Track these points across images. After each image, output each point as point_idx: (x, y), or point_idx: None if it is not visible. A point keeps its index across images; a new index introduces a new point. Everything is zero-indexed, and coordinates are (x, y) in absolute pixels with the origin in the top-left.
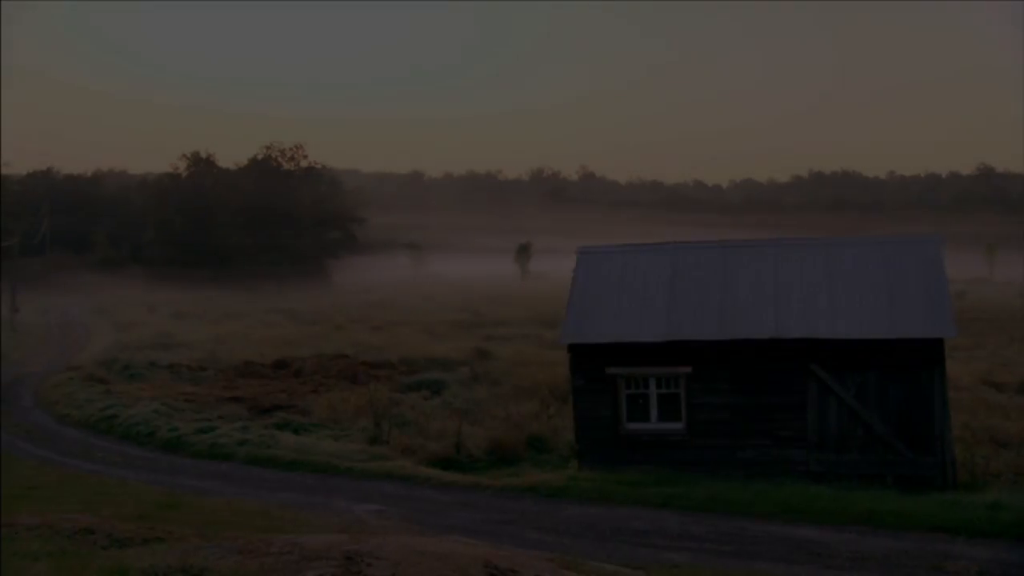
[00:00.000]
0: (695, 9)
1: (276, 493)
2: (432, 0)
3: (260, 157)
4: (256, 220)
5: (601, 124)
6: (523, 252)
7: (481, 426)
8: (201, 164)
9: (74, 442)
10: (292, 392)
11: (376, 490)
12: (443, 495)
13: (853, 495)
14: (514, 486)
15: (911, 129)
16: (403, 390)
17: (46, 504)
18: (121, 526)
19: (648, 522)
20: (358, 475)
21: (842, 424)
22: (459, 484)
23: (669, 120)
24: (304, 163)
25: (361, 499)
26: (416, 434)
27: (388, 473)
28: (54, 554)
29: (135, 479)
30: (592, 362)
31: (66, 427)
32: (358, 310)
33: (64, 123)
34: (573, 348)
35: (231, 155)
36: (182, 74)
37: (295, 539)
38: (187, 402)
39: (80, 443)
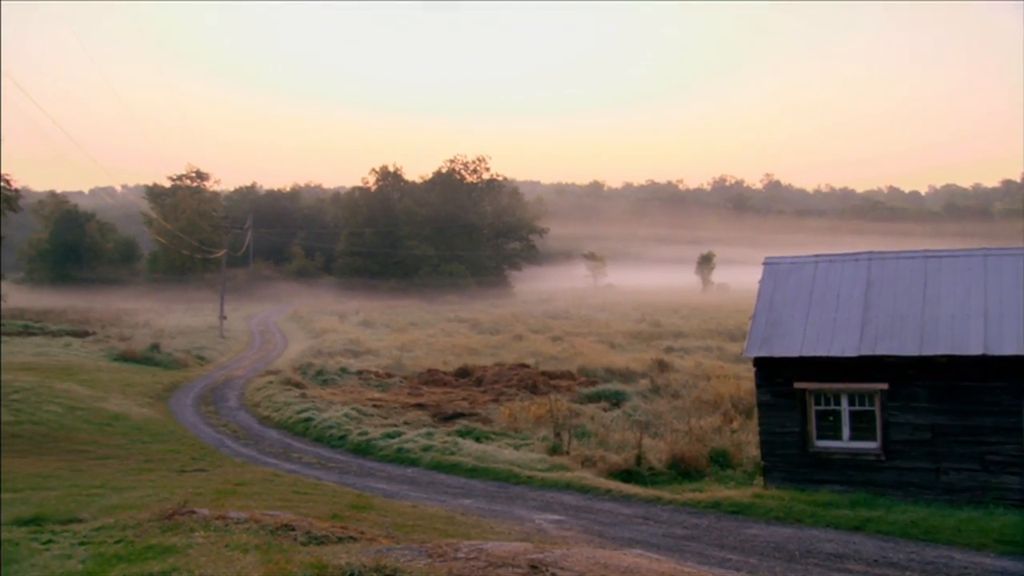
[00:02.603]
0: (893, 9)
1: (459, 499)
2: (617, 6)
3: (444, 170)
4: (439, 231)
5: (787, 132)
6: (705, 262)
7: (662, 439)
8: (389, 178)
9: (274, 442)
10: (473, 400)
11: (556, 500)
12: (624, 508)
13: None
14: (696, 501)
15: None
16: (582, 401)
17: (251, 500)
18: (318, 524)
19: (841, 545)
20: (538, 484)
21: None
22: (640, 497)
23: (862, 129)
24: (486, 175)
25: (541, 508)
26: (596, 445)
27: (568, 483)
28: (260, 547)
29: (328, 480)
30: (779, 376)
31: (267, 428)
32: (537, 320)
33: (267, 142)
34: (759, 361)
35: (417, 169)
36: (374, 93)
37: (481, 545)
38: (375, 408)
39: (279, 444)
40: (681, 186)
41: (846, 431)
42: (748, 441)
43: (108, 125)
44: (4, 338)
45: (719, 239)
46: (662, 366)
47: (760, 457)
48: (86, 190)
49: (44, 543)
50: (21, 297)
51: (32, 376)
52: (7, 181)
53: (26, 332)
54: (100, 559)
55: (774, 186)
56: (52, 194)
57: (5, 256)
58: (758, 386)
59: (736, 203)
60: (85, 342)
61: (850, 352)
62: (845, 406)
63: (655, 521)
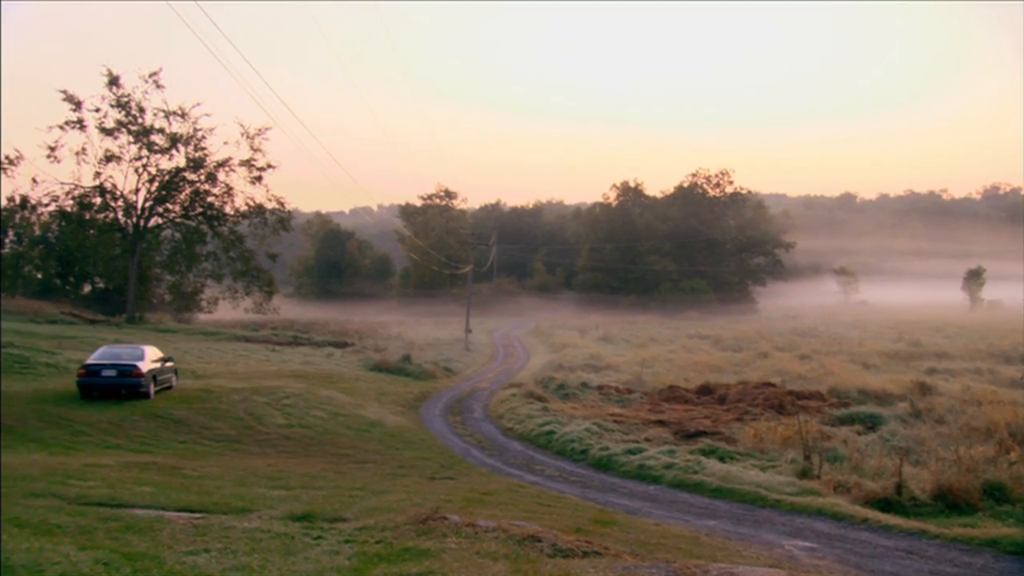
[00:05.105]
0: None
1: (702, 520)
2: (852, 6)
3: (686, 184)
4: (680, 247)
5: None
6: (973, 278)
7: (925, 467)
8: (630, 193)
9: (517, 454)
10: (716, 419)
11: (807, 526)
12: (883, 539)
13: None
14: (969, 537)
15: None
16: (834, 423)
17: (497, 509)
18: (563, 537)
19: None
20: (786, 509)
21: None
22: (901, 529)
23: None
24: (729, 189)
25: (791, 534)
26: (849, 471)
27: (819, 509)
28: (509, 556)
29: (570, 493)
30: None
31: (510, 439)
32: (783, 337)
33: (511, 160)
34: None
35: (658, 184)
36: (614, 108)
37: (730, 568)
38: (615, 423)
39: (522, 455)
40: (945, 196)
41: None
42: None
43: (368, 149)
44: (277, 348)
45: (990, 253)
46: (924, 389)
47: None
48: (347, 210)
49: (315, 538)
50: (291, 310)
51: (300, 383)
52: (281, 203)
53: (295, 342)
54: (363, 557)
55: None
56: (318, 214)
57: (278, 272)
58: None
59: (1012, 213)
60: (345, 352)
61: None
62: None
63: (920, 556)
